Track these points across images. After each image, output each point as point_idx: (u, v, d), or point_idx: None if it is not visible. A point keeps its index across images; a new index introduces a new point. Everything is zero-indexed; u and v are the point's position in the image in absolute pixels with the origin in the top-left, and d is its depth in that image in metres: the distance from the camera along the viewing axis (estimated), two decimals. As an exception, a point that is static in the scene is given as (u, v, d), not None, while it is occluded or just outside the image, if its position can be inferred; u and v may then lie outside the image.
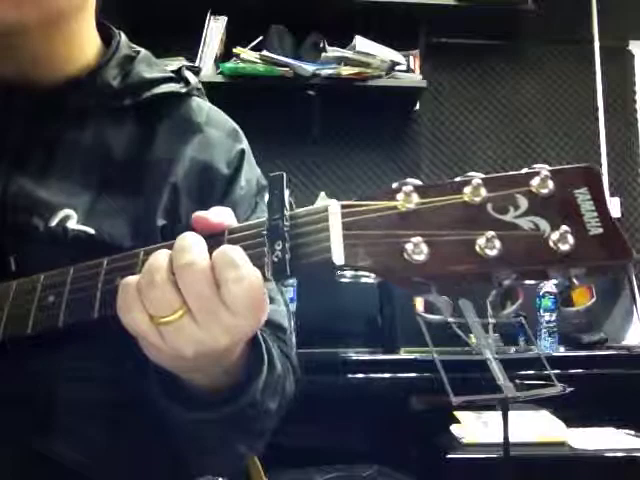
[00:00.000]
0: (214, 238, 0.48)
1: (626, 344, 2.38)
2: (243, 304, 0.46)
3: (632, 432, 1.89)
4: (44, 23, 0.66)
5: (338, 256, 0.44)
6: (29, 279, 0.55)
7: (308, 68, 2.45)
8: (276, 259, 0.45)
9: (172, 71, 0.78)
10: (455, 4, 2.59)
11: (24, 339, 0.53)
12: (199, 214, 0.50)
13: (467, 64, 2.87)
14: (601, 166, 2.83)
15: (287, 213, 0.46)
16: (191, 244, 0.47)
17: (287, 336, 0.72)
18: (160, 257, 0.47)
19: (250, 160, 0.79)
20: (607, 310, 2.45)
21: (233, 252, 0.46)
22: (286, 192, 0.47)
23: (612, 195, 2.80)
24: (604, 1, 2.87)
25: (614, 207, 2.76)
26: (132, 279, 0.47)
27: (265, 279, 0.46)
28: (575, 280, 0.40)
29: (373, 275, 0.45)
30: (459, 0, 2.58)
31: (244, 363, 0.55)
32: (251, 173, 0.78)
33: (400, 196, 0.44)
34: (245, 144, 0.79)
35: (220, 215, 0.50)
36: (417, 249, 0.41)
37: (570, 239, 0.39)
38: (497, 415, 1.59)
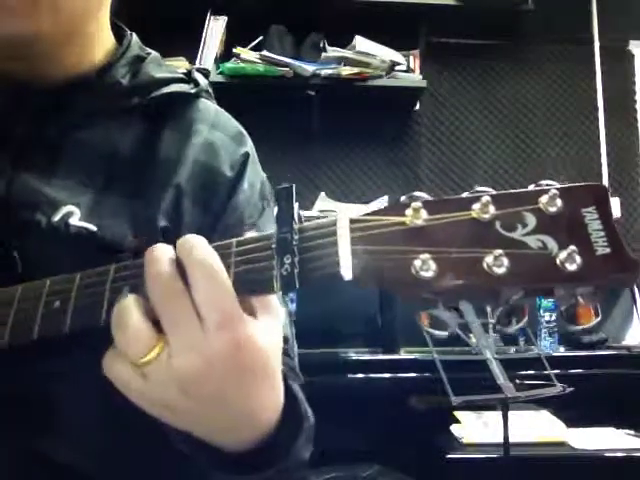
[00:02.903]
0: (220, 252, 0.48)
1: (626, 344, 2.39)
2: (215, 310, 0.46)
3: (632, 432, 1.89)
4: (60, 28, 0.66)
5: (346, 271, 0.43)
6: (35, 284, 0.54)
7: (308, 68, 2.45)
8: (285, 273, 0.45)
9: (182, 73, 0.78)
10: (455, 4, 2.59)
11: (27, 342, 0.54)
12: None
13: (467, 64, 2.87)
14: (601, 166, 2.83)
15: (296, 226, 0.46)
16: (159, 256, 0.47)
17: (289, 345, 0.71)
18: (126, 302, 0.48)
19: (254, 164, 0.78)
20: (607, 310, 2.45)
21: (201, 249, 0.47)
22: (295, 205, 0.47)
23: (612, 195, 2.80)
24: (604, 1, 2.87)
25: (614, 207, 2.76)
26: None
27: (273, 292, 0.46)
28: (581, 299, 0.41)
29: (376, 288, 0.45)
30: (459, 0, 2.59)
31: (281, 420, 0.54)
32: (255, 177, 0.77)
33: (409, 212, 0.44)
34: (250, 147, 0.79)
35: None
36: (425, 266, 0.41)
37: (577, 259, 0.39)
38: (497, 415, 1.60)
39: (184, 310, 0.46)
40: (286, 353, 0.70)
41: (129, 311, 0.47)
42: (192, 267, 0.46)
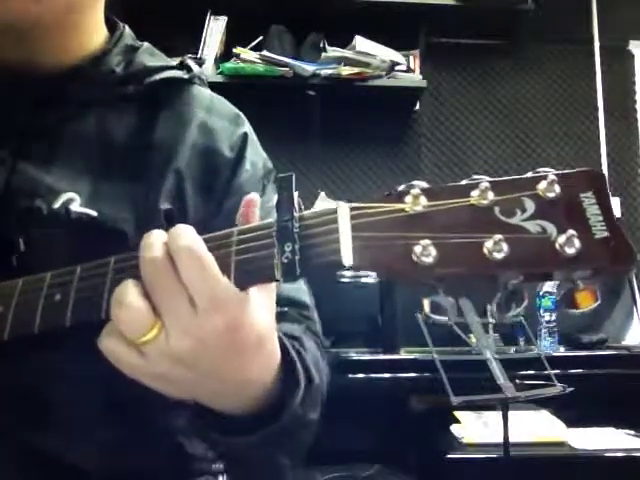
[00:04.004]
0: (220, 241, 0.48)
1: (626, 344, 2.39)
2: (203, 294, 0.46)
3: (632, 432, 1.89)
4: (61, 15, 0.67)
5: (347, 258, 0.44)
6: (35, 277, 0.54)
7: (308, 68, 2.45)
8: (286, 260, 0.45)
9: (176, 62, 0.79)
10: (455, 4, 2.59)
11: (27, 337, 0.54)
12: (253, 198, 0.52)
13: (467, 64, 2.87)
14: (601, 166, 2.83)
15: (296, 214, 0.46)
16: (153, 241, 0.48)
17: (311, 313, 0.73)
18: (126, 283, 0.48)
19: (254, 143, 0.79)
20: (607, 310, 2.45)
21: (187, 237, 0.47)
22: (295, 193, 0.48)
23: (612, 195, 2.80)
24: (604, 1, 2.87)
25: (614, 207, 2.76)
26: None
27: (274, 280, 0.47)
28: (580, 282, 0.41)
29: (376, 275, 0.45)
30: (459, 0, 2.59)
31: (279, 381, 0.56)
32: (256, 156, 0.78)
33: (408, 199, 0.44)
34: (247, 128, 0.79)
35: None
36: (425, 252, 0.42)
37: (576, 242, 0.40)
38: (497, 415, 1.59)
39: (176, 294, 0.47)
40: (308, 317, 0.71)
41: (129, 292, 0.47)
42: (178, 253, 0.47)
